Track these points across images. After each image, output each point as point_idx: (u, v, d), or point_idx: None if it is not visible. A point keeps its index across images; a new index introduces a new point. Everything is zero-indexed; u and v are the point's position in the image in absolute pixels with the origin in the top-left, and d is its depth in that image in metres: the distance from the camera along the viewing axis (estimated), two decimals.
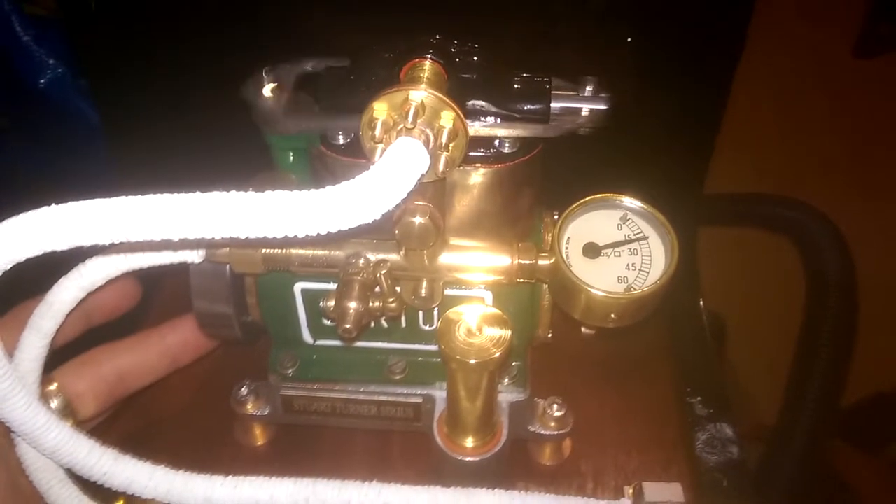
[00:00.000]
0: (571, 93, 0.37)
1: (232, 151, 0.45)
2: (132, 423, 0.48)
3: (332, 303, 0.38)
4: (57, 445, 0.35)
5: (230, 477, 0.38)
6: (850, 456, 0.95)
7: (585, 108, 0.37)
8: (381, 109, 0.32)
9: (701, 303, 0.62)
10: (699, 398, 0.53)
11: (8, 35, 0.75)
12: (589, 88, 0.37)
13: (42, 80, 0.76)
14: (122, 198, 0.29)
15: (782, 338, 0.91)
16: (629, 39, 0.52)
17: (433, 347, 0.45)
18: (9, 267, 0.29)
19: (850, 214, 0.88)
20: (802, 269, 0.90)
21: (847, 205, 0.91)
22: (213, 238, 0.29)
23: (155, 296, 0.54)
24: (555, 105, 0.37)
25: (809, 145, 1.03)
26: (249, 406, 0.45)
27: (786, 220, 0.90)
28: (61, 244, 0.29)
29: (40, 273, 0.36)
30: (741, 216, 0.94)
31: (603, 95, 0.37)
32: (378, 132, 0.32)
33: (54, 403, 0.40)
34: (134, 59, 0.57)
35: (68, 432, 0.36)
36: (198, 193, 0.29)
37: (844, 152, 1.04)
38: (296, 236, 0.29)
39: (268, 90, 0.39)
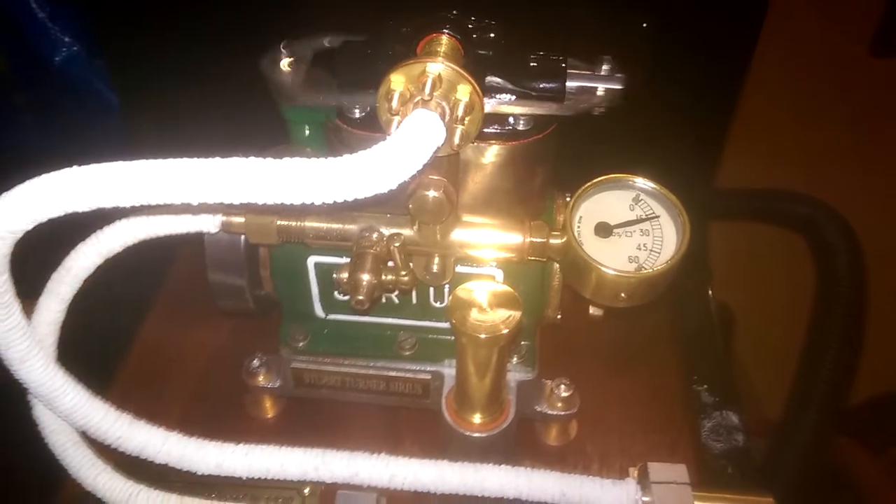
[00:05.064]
0: (587, 72, 0.37)
1: (248, 126, 0.46)
2: (144, 394, 0.49)
3: (345, 275, 0.38)
4: (72, 408, 0.36)
5: (242, 444, 0.39)
6: (855, 453, 0.95)
7: (601, 88, 0.37)
8: (398, 81, 0.33)
9: (710, 292, 0.62)
10: (705, 386, 0.53)
11: (24, 12, 0.76)
12: (605, 68, 0.37)
13: (57, 58, 0.76)
14: (144, 161, 0.29)
15: (789, 335, 0.90)
16: (644, 25, 0.52)
17: (443, 324, 0.45)
18: (31, 227, 0.30)
19: (862, 211, 0.88)
20: (812, 266, 0.89)
21: (859, 201, 0.91)
22: (232, 203, 0.29)
23: (170, 268, 0.55)
24: (570, 84, 0.37)
25: (823, 141, 1.02)
26: (261, 378, 0.46)
27: (796, 216, 0.89)
28: (83, 205, 0.29)
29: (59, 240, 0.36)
30: (752, 211, 0.94)
31: (619, 75, 0.37)
32: (395, 104, 0.32)
33: None
34: (150, 35, 0.57)
35: (84, 395, 0.36)
36: (217, 159, 0.29)
37: (858, 149, 1.03)
38: (312, 203, 0.29)
39: (285, 64, 0.39)
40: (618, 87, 0.37)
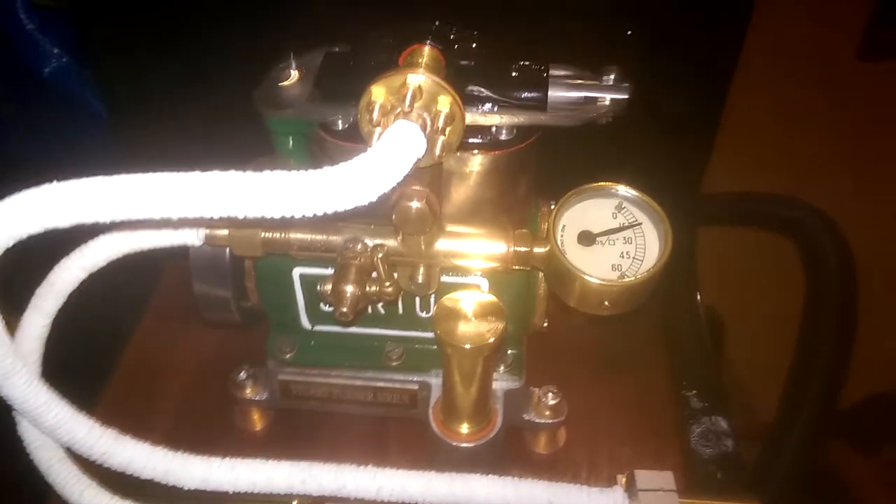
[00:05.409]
0: (593, 82, 0.37)
1: (236, 136, 0.46)
2: (132, 408, 0.49)
3: (329, 286, 0.38)
4: (57, 424, 0.36)
5: (227, 458, 0.38)
6: (847, 455, 0.95)
7: (607, 98, 0.37)
8: (378, 93, 0.33)
9: (698, 297, 0.62)
10: (694, 391, 0.53)
11: (13, 24, 0.76)
12: (611, 77, 0.37)
13: (46, 69, 0.76)
14: (124, 175, 0.29)
15: (780, 337, 0.91)
16: (629, 33, 0.53)
17: (430, 334, 0.45)
18: (11, 244, 0.29)
19: (850, 214, 0.88)
20: (801, 269, 0.90)
21: (847, 204, 0.91)
22: (213, 217, 0.29)
23: (156, 282, 0.55)
24: (577, 94, 0.37)
25: (810, 145, 1.03)
26: (248, 391, 0.46)
27: (786, 220, 0.90)
28: (63, 221, 0.29)
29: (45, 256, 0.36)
30: (741, 215, 0.94)
31: (625, 85, 0.37)
32: (376, 115, 0.33)
33: None
34: (138, 46, 0.57)
35: (68, 411, 0.36)
36: (197, 172, 0.29)
37: (845, 153, 1.04)
38: (293, 216, 0.30)
39: (270, 76, 0.39)
40: (624, 96, 0.37)
